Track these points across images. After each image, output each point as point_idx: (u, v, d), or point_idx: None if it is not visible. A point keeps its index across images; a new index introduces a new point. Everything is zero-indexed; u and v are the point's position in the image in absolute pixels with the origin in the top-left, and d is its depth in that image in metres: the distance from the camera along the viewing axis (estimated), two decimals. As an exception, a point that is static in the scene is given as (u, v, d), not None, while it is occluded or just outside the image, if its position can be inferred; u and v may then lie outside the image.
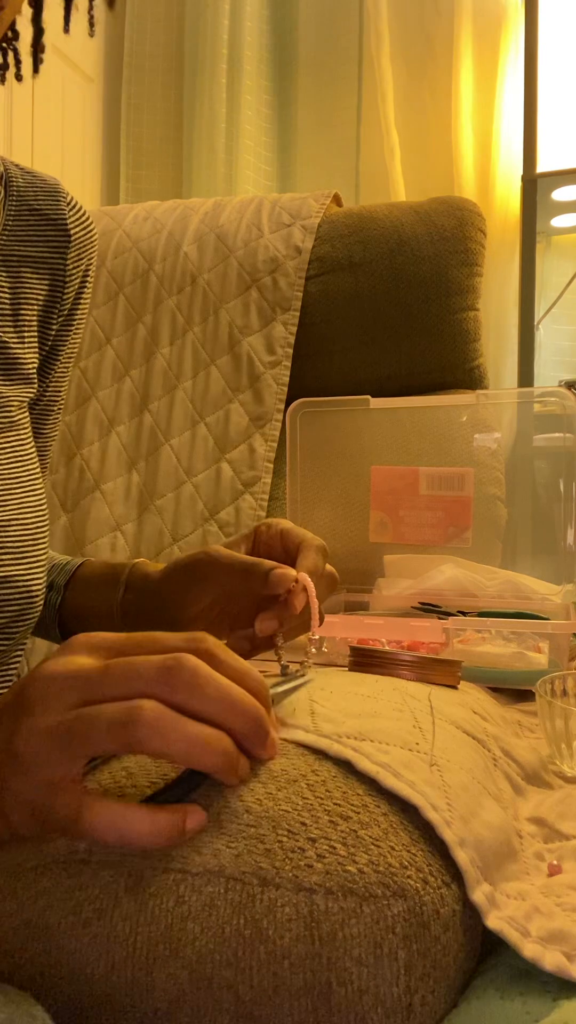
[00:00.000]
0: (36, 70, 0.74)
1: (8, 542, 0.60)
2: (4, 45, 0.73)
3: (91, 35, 0.76)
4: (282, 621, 0.54)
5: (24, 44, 0.74)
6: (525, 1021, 0.33)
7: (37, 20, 0.73)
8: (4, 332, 0.66)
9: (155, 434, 1.21)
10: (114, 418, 1.23)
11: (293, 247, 1.24)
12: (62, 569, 0.74)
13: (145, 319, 1.27)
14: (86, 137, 2.29)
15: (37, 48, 0.74)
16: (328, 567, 0.59)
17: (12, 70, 0.74)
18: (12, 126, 1.94)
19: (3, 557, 0.60)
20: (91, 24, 0.75)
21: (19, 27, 0.73)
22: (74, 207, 0.72)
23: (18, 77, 0.74)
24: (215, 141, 2.22)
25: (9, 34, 0.72)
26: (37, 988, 0.33)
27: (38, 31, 0.73)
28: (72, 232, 0.71)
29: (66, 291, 0.71)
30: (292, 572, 0.54)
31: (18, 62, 0.74)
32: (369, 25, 2.17)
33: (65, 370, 0.74)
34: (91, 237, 0.73)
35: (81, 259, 0.72)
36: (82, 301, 0.74)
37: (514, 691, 0.76)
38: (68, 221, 0.71)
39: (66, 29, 0.74)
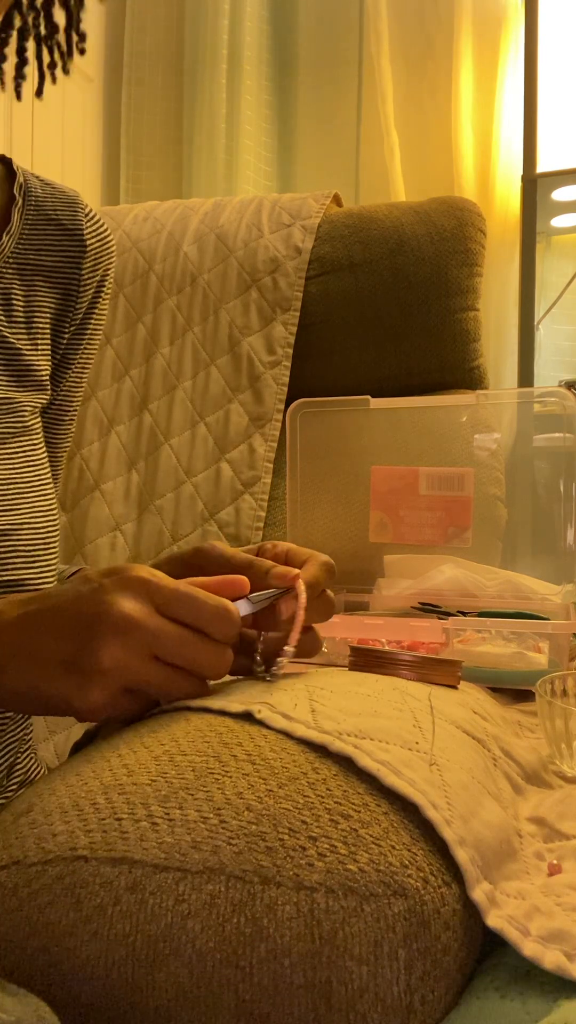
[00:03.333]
0: (54, 81, 0.75)
1: (20, 546, 0.61)
2: (50, 43, 0.73)
3: (81, 53, 0.75)
4: (264, 624, 0.53)
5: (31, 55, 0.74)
6: (525, 1021, 0.33)
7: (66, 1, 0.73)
8: (18, 339, 0.67)
9: (155, 434, 1.21)
10: (114, 418, 1.23)
11: (293, 247, 1.24)
12: (59, 575, 0.74)
13: (145, 319, 1.27)
14: (86, 137, 2.29)
15: (71, 36, 0.74)
16: (328, 592, 0.57)
17: (59, 66, 0.74)
18: (12, 126, 1.94)
19: (15, 561, 0.60)
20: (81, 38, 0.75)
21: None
22: (92, 218, 0.73)
23: (66, 70, 0.73)
24: (215, 141, 2.22)
25: (51, 28, 0.72)
26: (36, 986, 0.33)
27: (69, 15, 0.73)
28: (88, 243, 0.72)
29: (79, 301, 0.71)
30: (293, 570, 0.53)
31: (63, 56, 0.74)
32: (369, 25, 2.17)
33: (78, 379, 0.75)
34: (107, 248, 0.74)
35: (96, 270, 0.73)
36: (96, 311, 0.74)
37: (514, 691, 0.76)
38: (84, 232, 0.71)
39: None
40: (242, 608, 0.49)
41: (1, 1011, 0.28)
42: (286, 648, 0.51)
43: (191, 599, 0.45)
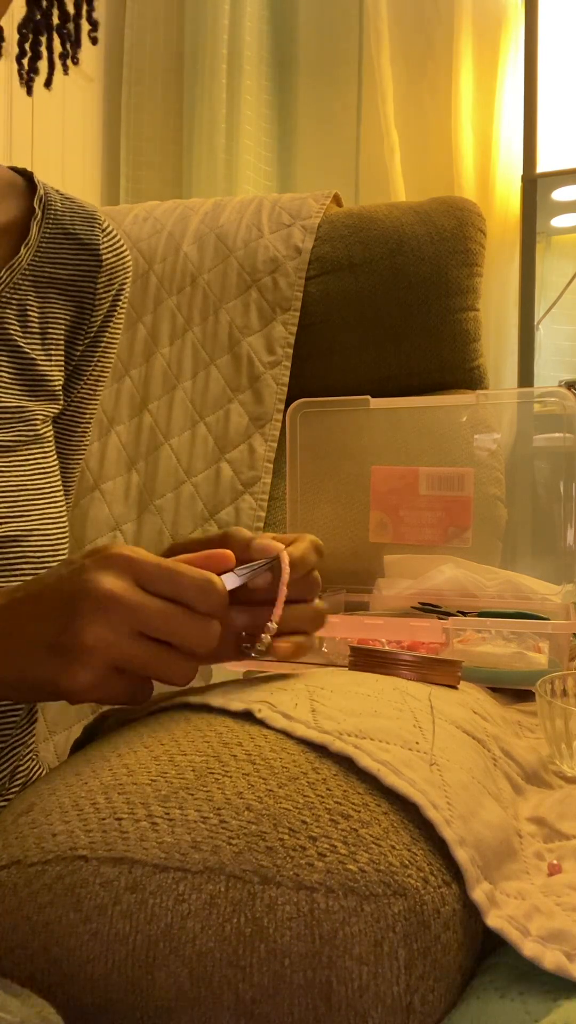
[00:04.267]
0: (65, 71, 0.75)
1: (29, 552, 0.61)
2: (65, 30, 0.73)
3: (94, 42, 0.76)
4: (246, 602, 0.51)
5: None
6: (525, 1021, 0.33)
7: (61, 29, 0.73)
8: (33, 349, 0.67)
9: (155, 434, 1.21)
10: (114, 418, 1.23)
11: (293, 247, 1.24)
12: None
13: (145, 319, 1.27)
14: (86, 137, 2.29)
15: (79, 28, 0.74)
16: (315, 572, 0.54)
17: (70, 56, 0.74)
18: (12, 126, 1.94)
19: (24, 567, 0.60)
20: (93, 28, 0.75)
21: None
22: (109, 233, 0.74)
23: (75, 60, 0.74)
24: (215, 141, 2.22)
25: (42, 39, 0.73)
26: (37, 986, 0.33)
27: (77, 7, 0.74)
28: (104, 258, 0.72)
29: (94, 314, 0.72)
30: (276, 543, 0.51)
31: (75, 44, 0.74)
32: (369, 25, 2.17)
33: (92, 391, 0.75)
34: (123, 263, 0.74)
35: (112, 284, 0.73)
36: (111, 324, 0.74)
37: (514, 691, 0.76)
38: (101, 247, 0.72)
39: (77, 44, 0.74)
40: (229, 581, 0.47)
41: (6, 1012, 0.28)
42: (269, 624, 0.50)
43: (172, 573, 0.45)
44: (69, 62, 0.74)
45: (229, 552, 0.49)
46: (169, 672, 0.45)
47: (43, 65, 0.74)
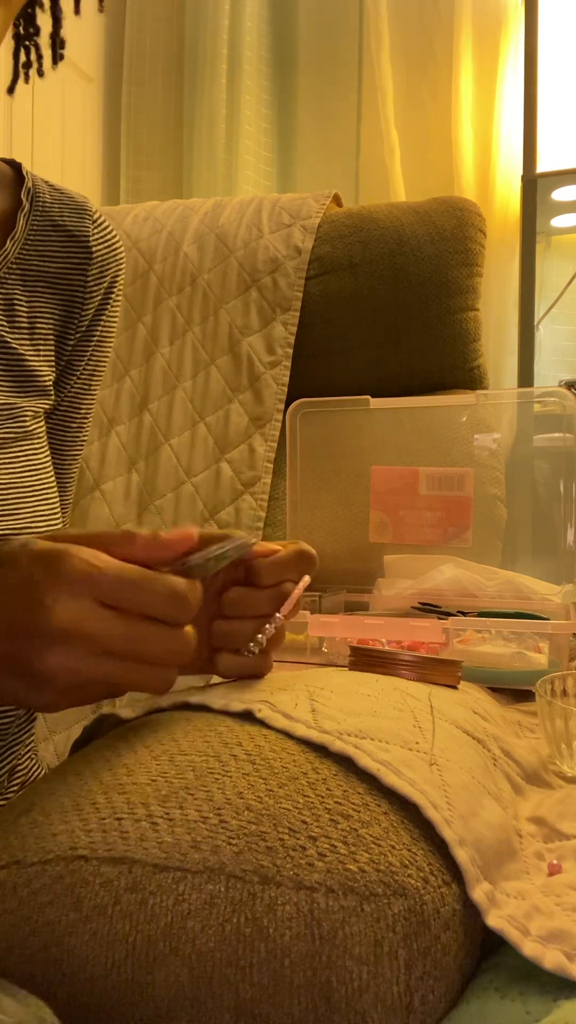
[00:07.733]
0: (55, 63, 0.74)
1: None
2: (28, 43, 0.73)
3: (100, 10, 0.75)
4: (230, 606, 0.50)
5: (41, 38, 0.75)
6: (525, 1021, 0.33)
7: (55, 9, 0.73)
8: (20, 344, 0.67)
9: (155, 434, 1.21)
10: (114, 418, 1.23)
11: (293, 247, 1.24)
12: None
13: (145, 319, 1.27)
14: (86, 137, 2.29)
15: (56, 41, 0.74)
16: (286, 585, 0.51)
17: (34, 67, 0.74)
18: (12, 126, 1.94)
19: None
20: (101, 0, 0.75)
21: (39, 21, 0.73)
22: (100, 225, 0.72)
23: (40, 73, 0.74)
24: (215, 141, 2.22)
25: (31, 30, 0.73)
26: (36, 986, 0.33)
27: (56, 22, 0.73)
28: (94, 250, 0.71)
29: (85, 308, 0.71)
30: (276, 546, 0.50)
31: (39, 58, 0.74)
32: (369, 25, 2.17)
33: (86, 386, 0.74)
34: (115, 255, 0.73)
35: (104, 277, 0.72)
36: (104, 318, 0.73)
37: (514, 691, 0.76)
38: (91, 239, 0.71)
39: (76, 10, 0.73)
40: (195, 565, 0.44)
41: (2, 1013, 0.28)
42: (277, 615, 0.49)
43: (135, 586, 0.41)
44: (33, 72, 0.73)
45: (192, 530, 0.45)
46: (143, 685, 0.43)
47: (18, 65, 0.74)
